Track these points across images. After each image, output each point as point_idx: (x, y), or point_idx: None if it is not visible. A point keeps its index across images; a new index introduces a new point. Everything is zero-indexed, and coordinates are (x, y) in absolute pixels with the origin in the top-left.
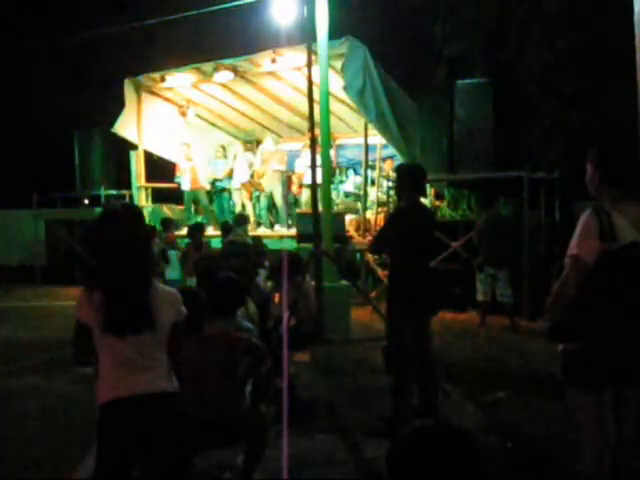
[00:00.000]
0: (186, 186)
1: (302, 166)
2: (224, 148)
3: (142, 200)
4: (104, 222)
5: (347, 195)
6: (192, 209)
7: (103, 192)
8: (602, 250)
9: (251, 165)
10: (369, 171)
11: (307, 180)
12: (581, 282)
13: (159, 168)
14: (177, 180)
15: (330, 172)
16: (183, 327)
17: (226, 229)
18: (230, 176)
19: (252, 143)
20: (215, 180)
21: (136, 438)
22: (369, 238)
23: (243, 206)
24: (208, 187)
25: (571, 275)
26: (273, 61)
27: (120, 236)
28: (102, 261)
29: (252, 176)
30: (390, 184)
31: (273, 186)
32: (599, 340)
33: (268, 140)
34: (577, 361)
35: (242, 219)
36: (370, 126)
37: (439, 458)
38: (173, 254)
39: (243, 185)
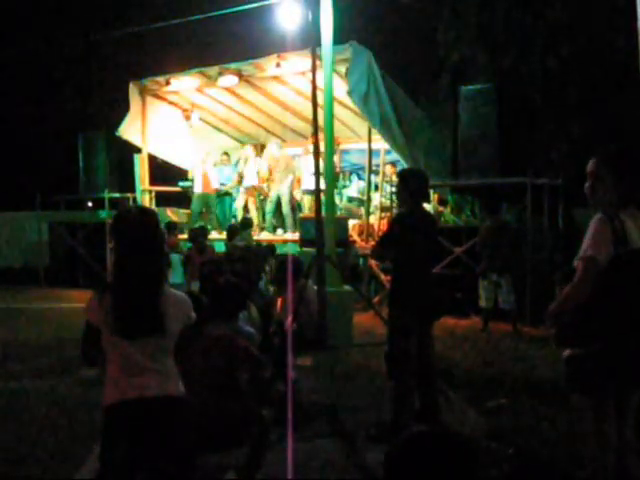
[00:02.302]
0: (198, 189)
1: (302, 171)
2: (228, 154)
3: (146, 203)
4: (118, 225)
5: (350, 200)
6: (199, 212)
7: (107, 195)
8: (617, 254)
9: (259, 170)
10: (372, 176)
11: (305, 185)
12: (593, 285)
13: (163, 171)
14: (182, 184)
15: (333, 177)
16: (190, 332)
17: (232, 232)
18: (240, 182)
19: (257, 147)
20: (221, 184)
21: (141, 441)
22: (372, 243)
23: (246, 210)
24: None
25: (585, 277)
26: (277, 65)
27: (134, 240)
28: (116, 264)
29: (258, 180)
30: (394, 189)
31: (280, 191)
32: (609, 344)
33: (272, 145)
34: (581, 367)
35: (247, 223)
36: (374, 131)
37: (435, 464)
38: (176, 258)
39: (247, 189)
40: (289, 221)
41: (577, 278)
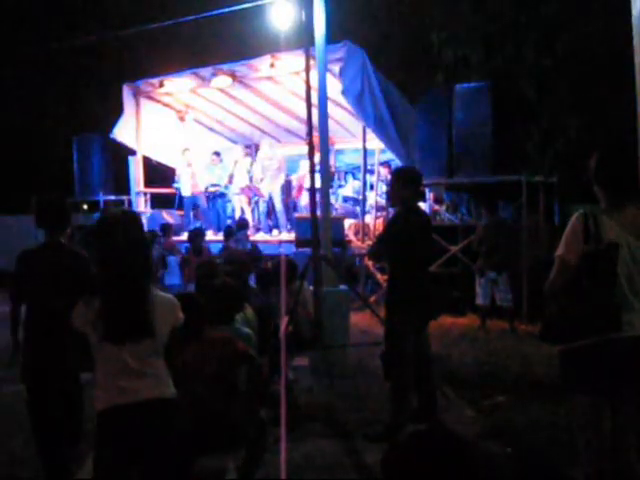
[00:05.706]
0: (186, 191)
1: (305, 169)
2: (218, 154)
3: (141, 206)
4: (102, 228)
5: (346, 200)
6: (191, 214)
7: (102, 198)
8: (585, 252)
9: (250, 170)
10: (368, 175)
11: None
12: (566, 282)
13: (158, 173)
14: (176, 185)
15: (329, 176)
16: (181, 333)
17: (228, 233)
18: (230, 182)
19: (251, 148)
20: (212, 185)
21: (135, 444)
22: (368, 242)
23: (242, 211)
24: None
25: (556, 274)
26: (271, 66)
27: (118, 242)
28: (100, 268)
29: (251, 181)
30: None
31: (272, 191)
32: (586, 341)
33: (265, 145)
34: (572, 362)
35: (243, 224)
36: (369, 130)
37: (433, 464)
38: (172, 260)
39: (242, 190)
40: (282, 220)
41: (551, 275)
